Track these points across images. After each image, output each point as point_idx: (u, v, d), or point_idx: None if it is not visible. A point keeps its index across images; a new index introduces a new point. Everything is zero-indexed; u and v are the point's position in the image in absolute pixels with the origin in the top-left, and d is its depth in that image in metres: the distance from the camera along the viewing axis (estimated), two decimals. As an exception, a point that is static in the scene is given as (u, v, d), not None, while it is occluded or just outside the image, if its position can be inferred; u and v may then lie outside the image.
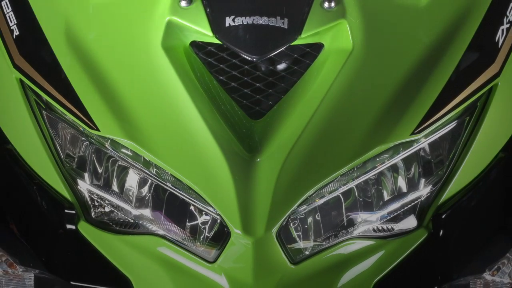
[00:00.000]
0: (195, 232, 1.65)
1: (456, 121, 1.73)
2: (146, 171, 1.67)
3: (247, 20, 1.67)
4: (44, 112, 1.74)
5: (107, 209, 1.71)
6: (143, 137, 1.66)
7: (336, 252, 1.65)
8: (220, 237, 1.63)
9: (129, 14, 1.74)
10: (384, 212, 1.68)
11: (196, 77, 1.69)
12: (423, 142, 1.69)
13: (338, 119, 1.67)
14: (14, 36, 1.78)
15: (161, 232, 1.66)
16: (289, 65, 1.72)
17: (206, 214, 1.64)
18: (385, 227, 1.69)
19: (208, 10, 1.69)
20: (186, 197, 1.64)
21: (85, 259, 1.70)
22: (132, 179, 1.68)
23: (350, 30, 1.70)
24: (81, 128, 1.70)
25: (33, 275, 1.75)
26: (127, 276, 1.67)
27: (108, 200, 1.70)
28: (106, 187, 1.70)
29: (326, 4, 1.69)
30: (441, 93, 1.70)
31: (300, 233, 1.65)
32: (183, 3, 1.70)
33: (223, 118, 1.67)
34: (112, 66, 1.71)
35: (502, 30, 1.78)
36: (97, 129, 1.68)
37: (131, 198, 1.69)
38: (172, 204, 1.67)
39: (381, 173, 1.68)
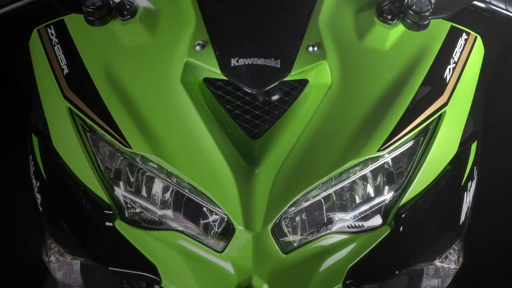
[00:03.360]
0: (207, 228, 1.75)
1: (413, 140, 1.81)
2: (168, 180, 1.76)
3: (248, 61, 1.77)
4: (88, 134, 1.82)
5: (137, 210, 1.80)
6: (166, 153, 1.74)
7: (318, 244, 1.75)
8: (227, 232, 1.73)
9: (155, 56, 1.82)
10: (356, 212, 1.78)
11: (208, 106, 1.78)
12: (387, 157, 1.79)
13: (319, 139, 1.75)
14: (64, 73, 1.86)
15: (180, 228, 1.76)
16: (281, 97, 1.80)
17: (216, 214, 1.74)
18: (356, 224, 1.78)
19: (217, 53, 1.78)
20: (200, 200, 1.74)
21: (120, 249, 1.78)
22: (157, 186, 1.77)
23: (329, 69, 1.79)
24: (117, 146, 1.79)
25: (79, 262, 1.85)
26: (153, 263, 1.76)
27: (138, 203, 1.79)
28: (137, 192, 1.79)
29: (310, 49, 1.79)
30: (401, 118, 1.79)
31: (290, 229, 1.74)
32: (198, 48, 1.79)
33: (229, 138, 1.75)
34: (142, 97, 1.79)
35: (449, 68, 1.87)
36: (130, 147, 1.76)
37: (156, 201, 1.78)
38: (189, 206, 1.75)
39: (354, 182, 1.78)
